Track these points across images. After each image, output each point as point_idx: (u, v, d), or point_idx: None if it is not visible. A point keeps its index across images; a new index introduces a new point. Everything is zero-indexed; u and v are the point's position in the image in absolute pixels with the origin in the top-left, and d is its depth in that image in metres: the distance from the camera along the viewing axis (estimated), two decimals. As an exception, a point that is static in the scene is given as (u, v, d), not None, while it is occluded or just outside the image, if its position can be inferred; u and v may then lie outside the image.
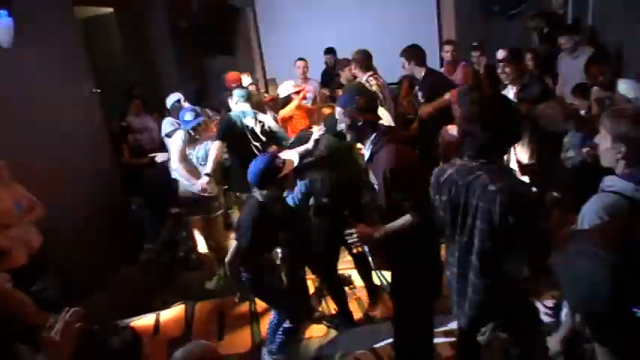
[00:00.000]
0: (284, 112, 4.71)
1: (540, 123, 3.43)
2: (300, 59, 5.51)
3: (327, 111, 3.57)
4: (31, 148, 3.86)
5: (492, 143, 1.92)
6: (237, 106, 4.16)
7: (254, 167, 2.84)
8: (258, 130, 4.07)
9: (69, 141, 4.33)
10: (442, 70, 5.27)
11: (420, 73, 4.39)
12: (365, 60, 4.56)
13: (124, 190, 5.17)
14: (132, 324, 3.73)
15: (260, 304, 3.96)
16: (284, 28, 7.16)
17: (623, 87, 3.52)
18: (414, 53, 4.36)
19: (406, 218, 2.28)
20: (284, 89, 4.78)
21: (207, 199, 4.12)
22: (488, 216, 1.85)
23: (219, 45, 7.25)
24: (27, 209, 3.39)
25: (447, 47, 5.39)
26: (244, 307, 3.99)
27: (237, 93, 4.22)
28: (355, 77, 5.31)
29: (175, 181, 4.29)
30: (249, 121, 4.06)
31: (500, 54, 3.88)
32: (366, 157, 2.43)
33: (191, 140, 4.11)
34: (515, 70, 3.73)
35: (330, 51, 6.39)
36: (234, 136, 4.02)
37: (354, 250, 3.47)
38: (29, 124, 3.91)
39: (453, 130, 3.36)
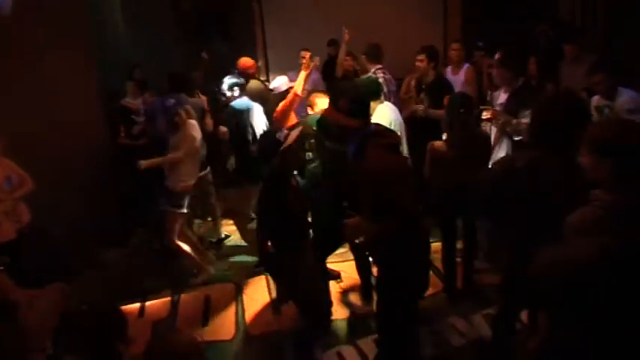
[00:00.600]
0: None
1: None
2: (305, 49, 5.49)
3: (317, 97, 3.67)
4: (24, 121, 3.83)
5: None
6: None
7: (257, 144, 2.94)
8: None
9: (64, 118, 4.29)
10: (447, 69, 5.21)
11: (431, 77, 4.51)
12: (374, 53, 4.62)
13: (118, 172, 5.15)
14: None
15: (247, 293, 3.97)
16: (288, 19, 7.10)
17: (624, 97, 3.49)
18: (437, 55, 4.45)
19: (387, 224, 2.25)
20: (283, 84, 4.57)
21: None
22: None
23: (222, 31, 7.21)
24: (17, 184, 3.39)
25: (455, 45, 5.33)
26: (230, 294, 4.00)
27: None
28: (355, 69, 5.30)
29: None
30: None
31: (497, 56, 3.89)
32: (350, 157, 2.40)
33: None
34: (509, 74, 3.71)
35: (333, 42, 6.35)
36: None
37: (356, 240, 3.51)
38: (23, 97, 3.88)
39: (440, 146, 3.38)
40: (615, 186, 1.66)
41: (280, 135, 3.00)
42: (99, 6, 6.43)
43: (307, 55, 5.42)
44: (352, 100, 2.30)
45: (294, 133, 2.95)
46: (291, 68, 5.84)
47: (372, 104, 3.67)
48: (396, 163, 2.37)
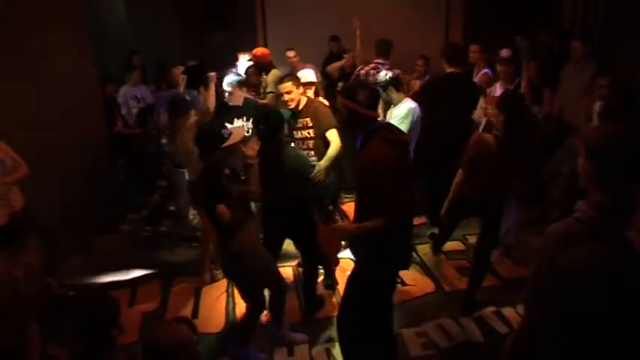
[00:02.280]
0: None
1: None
2: (290, 49, 5.57)
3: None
4: (16, 107, 3.79)
5: None
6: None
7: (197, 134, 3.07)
8: None
9: (58, 103, 4.25)
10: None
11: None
12: (380, 47, 4.79)
13: (112, 159, 5.12)
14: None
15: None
16: (290, 11, 7.04)
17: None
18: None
19: (378, 220, 2.31)
20: (312, 75, 4.28)
21: None
22: None
23: (223, 23, 7.16)
24: (10, 169, 3.35)
25: (474, 47, 5.27)
26: (221, 286, 3.98)
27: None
28: (355, 66, 5.26)
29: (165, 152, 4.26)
30: None
31: (504, 53, 3.92)
32: (357, 147, 2.50)
33: None
34: (511, 70, 3.82)
35: (335, 39, 6.31)
36: None
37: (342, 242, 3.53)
38: (15, 82, 3.83)
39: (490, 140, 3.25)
40: (595, 189, 1.67)
41: (226, 132, 2.99)
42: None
43: (292, 54, 5.47)
44: (370, 92, 2.47)
45: (238, 134, 3.00)
46: (290, 63, 5.86)
47: (396, 97, 3.92)
48: (397, 159, 2.38)
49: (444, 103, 4.25)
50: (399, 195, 2.32)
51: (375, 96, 2.52)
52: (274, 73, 5.09)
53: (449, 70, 4.34)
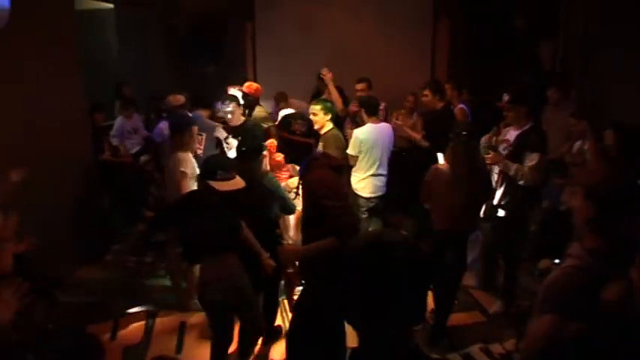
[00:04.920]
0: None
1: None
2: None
3: None
4: (5, 131, 3.76)
5: None
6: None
7: None
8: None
9: (45, 130, 4.21)
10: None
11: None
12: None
13: (98, 188, 5.07)
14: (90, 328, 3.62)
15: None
16: (280, 46, 7.20)
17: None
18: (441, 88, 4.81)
19: (329, 240, 2.40)
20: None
21: None
22: None
23: (214, 55, 7.27)
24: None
25: (447, 86, 5.42)
26: (207, 320, 3.89)
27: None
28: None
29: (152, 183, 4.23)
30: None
31: (506, 97, 3.93)
32: (299, 174, 2.73)
33: None
34: (520, 113, 3.69)
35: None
36: None
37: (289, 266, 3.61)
38: (2, 106, 3.81)
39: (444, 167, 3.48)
40: (591, 232, 1.71)
41: None
42: (91, 22, 6.47)
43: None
44: (303, 122, 2.64)
45: None
46: (278, 91, 5.96)
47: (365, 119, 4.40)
48: (336, 182, 2.61)
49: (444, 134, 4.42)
50: (345, 213, 2.44)
51: (310, 125, 2.69)
52: (260, 110, 5.21)
53: (440, 105, 4.74)
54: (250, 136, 3.71)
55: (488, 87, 5.06)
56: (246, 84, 5.29)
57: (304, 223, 2.73)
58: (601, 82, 4.99)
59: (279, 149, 2.79)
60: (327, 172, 2.55)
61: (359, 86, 5.14)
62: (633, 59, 4.53)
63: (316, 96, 6.29)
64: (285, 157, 3.06)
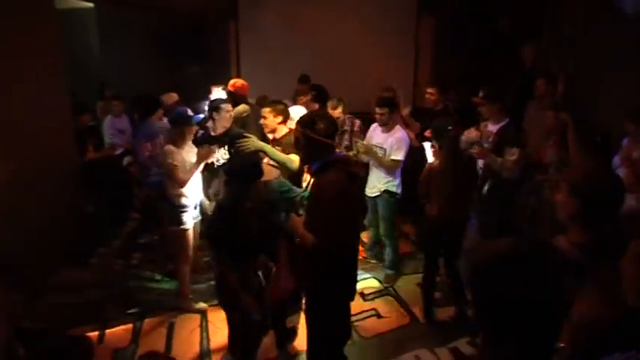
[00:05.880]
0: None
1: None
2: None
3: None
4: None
5: None
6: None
7: None
8: None
9: (28, 132, 4.14)
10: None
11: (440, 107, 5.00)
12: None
13: (84, 190, 5.00)
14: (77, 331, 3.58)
15: (212, 321, 3.88)
16: (264, 45, 7.18)
17: None
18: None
19: (311, 239, 2.44)
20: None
21: None
22: None
23: (197, 54, 7.22)
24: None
25: (431, 90, 5.27)
26: (195, 322, 3.90)
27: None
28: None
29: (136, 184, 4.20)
30: None
31: (481, 93, 4.08)
32: (312, 173, 2.63)
33: None
34: (494, 109, 3.93)
35: (304, 79, 6.41)
36: None
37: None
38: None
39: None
40: (576, 226, 1.75)
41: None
42: (71, 21, 6.37)
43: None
44: (329, 122, 2.59)
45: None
46: (263, 91, 5.93)
47: None
48: (344, 189, 2.47)
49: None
50: (335, 222, 2.39)
51: (335, 127, 2.63)
52: (241, 107, 4.99)
53: (440, 105, 4.95)
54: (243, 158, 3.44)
55: (471, 86, 5.11)
56: (231, 81, 5.20)
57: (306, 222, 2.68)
58: (580, 82, 5.08)
59: (297, 146, 2.67)
60: (341, 177, 2.47)
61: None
62: (612, 59, 4.64)
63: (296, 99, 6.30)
64: (302, 156, 2.92)
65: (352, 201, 2.54)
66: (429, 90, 4.92)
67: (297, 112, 4.23)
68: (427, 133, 3.97)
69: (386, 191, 4.30)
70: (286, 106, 3.94)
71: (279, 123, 3.79)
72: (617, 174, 2.11)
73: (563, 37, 5.49)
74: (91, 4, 6.62)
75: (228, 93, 5.09)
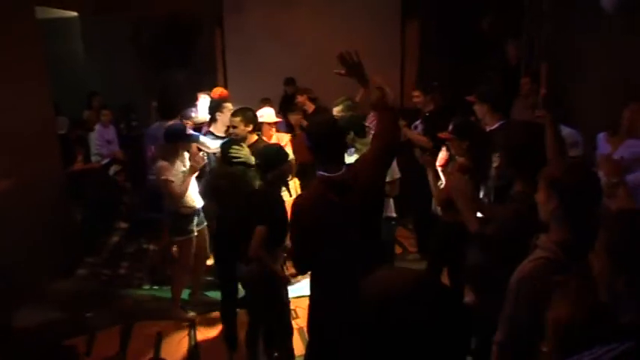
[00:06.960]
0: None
1: None
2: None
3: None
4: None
5: None
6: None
7: None
8: None
9: (14, 141, 4.10)
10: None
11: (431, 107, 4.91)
12: None
13: (70, 200, 4.95)
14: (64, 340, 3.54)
15: (201, 330, 3.86)
16: (250, 52, 7.17)
17: (564, 132, 3.68)
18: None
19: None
20: (273, 114, 4.45)
21: None
22: None
23: (182, 60, 7.19)
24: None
25: (416, 92, 5.18)
26: (183, 332, 3.86)
27: None
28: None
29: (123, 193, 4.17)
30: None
31: (470, 99, 3.95)
32: None
33: None
34: (484, 109, 3.80)
35: (290, 81, 6.46)
36: None
37: None
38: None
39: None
40: (557, 224, 1.74)
41: None
42: (55, 30, 6.34)
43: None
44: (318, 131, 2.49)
45: None
46: (250, 97, 5.90)
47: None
48: (315, 205, 2.25)
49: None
50: (294, 238, 2.36)
51: (328, 129, 2.49)
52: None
53: (430, 105, 4.87)
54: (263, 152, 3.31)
55: (458, 86, 5.12)
56: (214, 90, 5.28)
57: None
58: (560, 81, 5.09)
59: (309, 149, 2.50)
60: (310, 198, 2.29)
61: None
62: (589, 60, 4.67)
63: (285, 101, 6.31)
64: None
65: (323, 225, 2.22)
66: (415, 93, 4.91)
67: (266, 112, 4.28)
68: (443, 135, 3.44)
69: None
70: (254, 113, 3.87)
71: (250, 132, 3.73)
72: (593, 169, 2.09)
73: (542, 34, 5.51)
74: (75, 13, 6.58)
75: (211, 101, 5.10)
